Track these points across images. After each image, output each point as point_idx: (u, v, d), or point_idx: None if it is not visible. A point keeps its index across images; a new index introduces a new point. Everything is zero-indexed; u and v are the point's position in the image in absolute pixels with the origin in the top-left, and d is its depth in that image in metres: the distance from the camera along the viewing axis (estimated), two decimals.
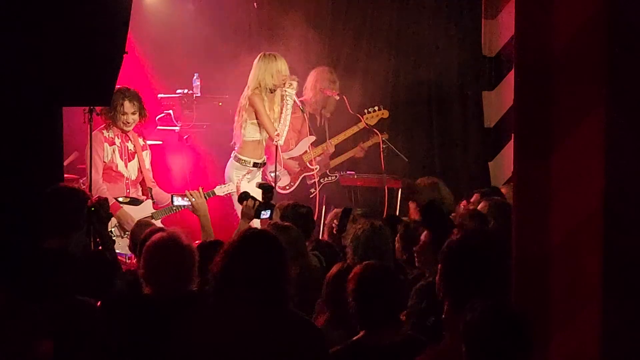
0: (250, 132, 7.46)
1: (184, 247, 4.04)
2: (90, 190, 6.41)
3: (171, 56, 8.69)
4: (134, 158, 7.00)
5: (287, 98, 7.38)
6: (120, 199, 6.84)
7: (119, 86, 6.79)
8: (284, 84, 7.36)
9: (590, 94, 3.33)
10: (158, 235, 4.18)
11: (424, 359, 3.40)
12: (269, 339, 3.31)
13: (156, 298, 3.96)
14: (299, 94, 7.93)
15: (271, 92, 7.41)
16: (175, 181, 7.29)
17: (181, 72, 8.65)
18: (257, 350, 3.30)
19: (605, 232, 3.29)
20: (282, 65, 7.36)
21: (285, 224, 5.15)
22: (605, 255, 3.29)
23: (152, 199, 7.01)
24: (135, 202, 6.94)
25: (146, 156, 7.16)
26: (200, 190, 6.28)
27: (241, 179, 7.35)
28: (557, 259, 3.39)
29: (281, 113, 7.41)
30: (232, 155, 7.55)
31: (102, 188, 6.75)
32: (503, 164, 9.49)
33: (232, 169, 7.47)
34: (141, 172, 7.07)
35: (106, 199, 5.34)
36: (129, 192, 6.99)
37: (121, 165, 6.92)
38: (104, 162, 6.89)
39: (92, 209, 5.07)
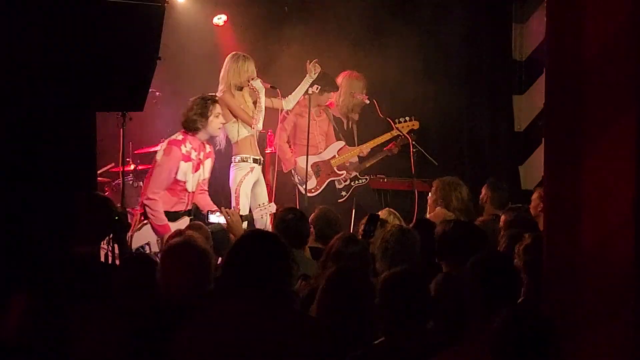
0: (239, 131, 7.46)
1: (199, 251, 3.99)
2: (122, 194, 6.38)
3: (205, 61, 8.70)
4: (199, 168, 6.97)
5: (257, 89, 7.43)
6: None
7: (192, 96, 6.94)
8: (249, 81, 7.42)
9: (621, 99, 3.33)
10: (174, 239, 4.19)
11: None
12: (276, 339, 3.27)
13: (169, 302, 3.89)
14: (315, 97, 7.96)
15: (239, 90, 7.48)
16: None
17: (216, 77, 8.70)
18: (264, 351, 3.26)
19: (637, 236, 3.29)
20: (250, 65, 7.47)
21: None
22: (637, 258, 3.29)
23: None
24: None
25: (209, 163, 7.12)
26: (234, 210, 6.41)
27: (244, 179, 7.36)
28: (589, 263, 3.39)
29: (256, 102, 7.43)
30: (232, 160, 7.55)
31: (155, 201, 6.68)
32: (533, 168, 9.46)
33: (234, 172, 7.47)
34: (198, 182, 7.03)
35: (125, 210, 5.32)
36: (189, 204, 6.93)
37: (190, 182, 6.86)
38: (177, 179, 6.78)
39: (117, 217, 5.11)
